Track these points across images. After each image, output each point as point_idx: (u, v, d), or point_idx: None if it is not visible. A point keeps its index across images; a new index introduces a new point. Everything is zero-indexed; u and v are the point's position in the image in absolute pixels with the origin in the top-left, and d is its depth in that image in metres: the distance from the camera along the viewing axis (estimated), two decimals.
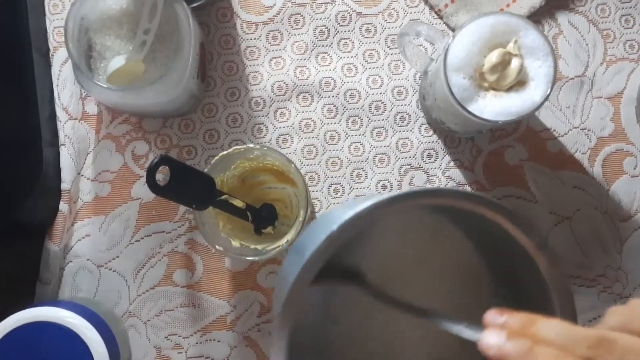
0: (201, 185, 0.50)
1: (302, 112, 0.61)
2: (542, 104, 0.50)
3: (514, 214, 0.40)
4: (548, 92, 0.50)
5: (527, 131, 0.60)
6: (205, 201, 0.51)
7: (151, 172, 0.45)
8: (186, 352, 0.59)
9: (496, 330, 0.33)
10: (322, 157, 0.60)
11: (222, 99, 0.61)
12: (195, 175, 0.49)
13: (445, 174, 0.60)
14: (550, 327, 0.32)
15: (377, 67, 0.61)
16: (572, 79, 0.61)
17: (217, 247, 0.52)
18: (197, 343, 0.59)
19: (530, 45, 0.50)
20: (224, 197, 0.52)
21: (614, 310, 0.34)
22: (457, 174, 0.60)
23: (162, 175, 0.47)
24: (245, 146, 0.53)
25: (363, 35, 0.61)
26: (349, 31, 0.61)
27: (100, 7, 0.53)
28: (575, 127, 0.61)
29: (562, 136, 0.61)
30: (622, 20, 0.61)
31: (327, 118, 0.61)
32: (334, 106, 0.61)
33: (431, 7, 0.61)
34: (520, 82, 0.50)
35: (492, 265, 0.49)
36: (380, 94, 0.61)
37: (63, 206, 0.58)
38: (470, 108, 0.50)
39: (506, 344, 0.32)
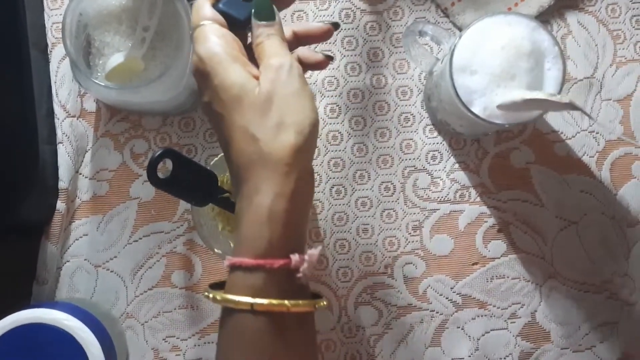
0: (203, 181, 0.49)
1: None
2: None
3: None
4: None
5: (533, 133, 0.59)
6: (206, 198, 0.50)
7: (153, 164, 0.44)
8: (184, 354, 0.58)
9: None
10: (325, 157, 0.59)
11: None
12: (198, 170, 0.48)
13: (449, 176, 0.59)
14: None
15: (382, 66, 0.60)
16: (581, 80, 0.59)
17: (216, 250, 0.51)
18: (195, 345, 0.58)
19: (539, 47, 0.49)
20: (225, 195, 0.51)
21: None
22: (462, 176, 0.59)
23: (161, 173, 0.46)
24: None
25: (367, 33, 0.60)
26: (353, 29, 0.60)
27: (99, 3, 0.52)
28: (583, 130, 0.59)
29: (570, 139, 0.59)
30: (633, 21, 0.60)
31: (330, 118, 0.60)
32: (337, 106, 0.60)
33: (437, 5, 0.60)
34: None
35: None
36: (384, 93, 0.60)
37: (60, 205, 0.58)
38: (476, 110, 0.49)
39: None
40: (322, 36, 0.45)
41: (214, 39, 0.40)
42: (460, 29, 0.59)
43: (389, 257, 0.59)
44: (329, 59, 0.45)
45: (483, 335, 0.59)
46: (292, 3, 0.45)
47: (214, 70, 0.39)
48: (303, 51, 0.45)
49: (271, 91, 0.38)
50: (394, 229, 0.59)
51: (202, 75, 0.40)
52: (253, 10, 0.42)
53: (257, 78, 0.39)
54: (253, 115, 0.38)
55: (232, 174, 0.40)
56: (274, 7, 0.42)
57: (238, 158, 0.39)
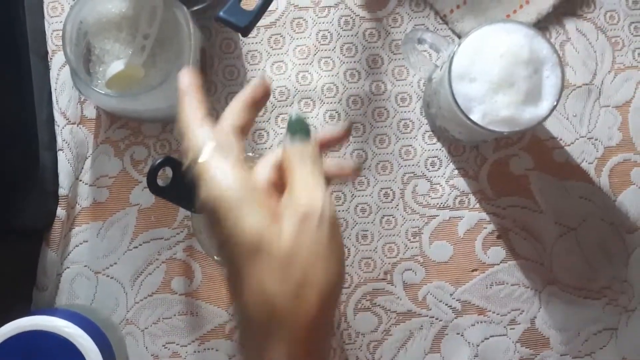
0: None
1: None
2: (548, 115, 0.49)
3: None
4: (555, 104, 0.49)
5: (532, 140, 0.59)
6: None
7: (153, 171, 0.44)
8: None
9: None
10: None
11: (222, 104, 0.60)
12: None
13: (449, 182, 0.59)
14: None
15: (381, 73, 0.60)
16: (580, 87, 0.60)
17: (215, 257, 0.52)
18: (195, 352, 0.58)
19: (538, 55, 0.49)
20: None
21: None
22: (461, 182, 0.59)
23: (161, 180, 0.46)
24: (244, 155, 0.52)
25: (367, 40, 0.60)
26: (352, 36, 0.60)
27: (99, 11, 0.53)
28: (582, 136, 0.59)
29: (569, 145, 0.59)
30: (632, 28, 0.60)
31: (329, 124, 0.60)
32: (336, 112, 0.60)
33: (436, 12, 0.60)
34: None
35: None
36: (384, 100, 0.60)
37: (60, 212, 0.58)
38: (475, 118, 0.49)
39: None
40: (343, 138, 0.41)
41: (221, 179, 0.34)
42: (459, 36, 0.60)
43: (389, 263, 0.59)
44: (359, 169, 0.41)
45: (482, 341, 0.59)
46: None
47: (225, 217, 0.33)
48: (331, 169, 0.39)
49: (295, 245, 0.33)
50: (394, 235, 0.59)
51: (210, 220, 0.34)
52: (287, 128, 0.36)
53: (277, 216, 0.33)
54: (271, 271, 0.32)
55: (240, 327, 0.35)
56: (308, 125, 0.36)
57: (248, 315, 0.34)
